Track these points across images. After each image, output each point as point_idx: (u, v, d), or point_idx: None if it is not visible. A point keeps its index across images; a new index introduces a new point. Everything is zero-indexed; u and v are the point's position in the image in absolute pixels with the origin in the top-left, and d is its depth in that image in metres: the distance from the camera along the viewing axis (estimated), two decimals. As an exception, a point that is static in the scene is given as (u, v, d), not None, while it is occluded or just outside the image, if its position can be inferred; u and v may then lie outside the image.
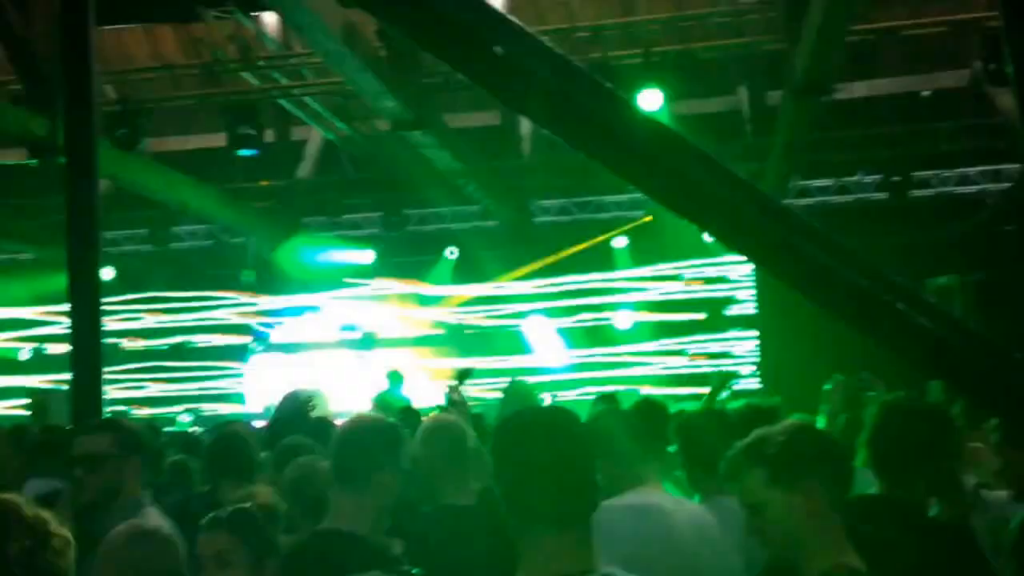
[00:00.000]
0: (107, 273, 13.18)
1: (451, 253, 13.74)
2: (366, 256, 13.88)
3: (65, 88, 5.86)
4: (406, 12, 2.20)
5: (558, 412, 2.05)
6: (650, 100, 9.14)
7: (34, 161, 8.62)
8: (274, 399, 10.35)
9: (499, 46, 2.09)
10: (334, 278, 14.12)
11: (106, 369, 5.45)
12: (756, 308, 13.22)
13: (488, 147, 12.07)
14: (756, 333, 13.21)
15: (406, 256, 13.89)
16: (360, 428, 3.14)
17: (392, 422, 3.32)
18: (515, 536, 1.88)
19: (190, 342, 14.39)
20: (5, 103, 9.00)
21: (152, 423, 8.66)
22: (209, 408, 13.92)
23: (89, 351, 5.73)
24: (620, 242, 13.35)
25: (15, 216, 12.55)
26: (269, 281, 14.05)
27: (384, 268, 14.05)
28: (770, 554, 2.33)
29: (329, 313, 14.50)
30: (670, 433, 3.67)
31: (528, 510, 1.86)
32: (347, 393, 12.92)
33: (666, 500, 3.17)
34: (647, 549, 2.87)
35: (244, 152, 10.31)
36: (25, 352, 14.18)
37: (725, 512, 3.16)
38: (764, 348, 13.06)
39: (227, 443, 5.02)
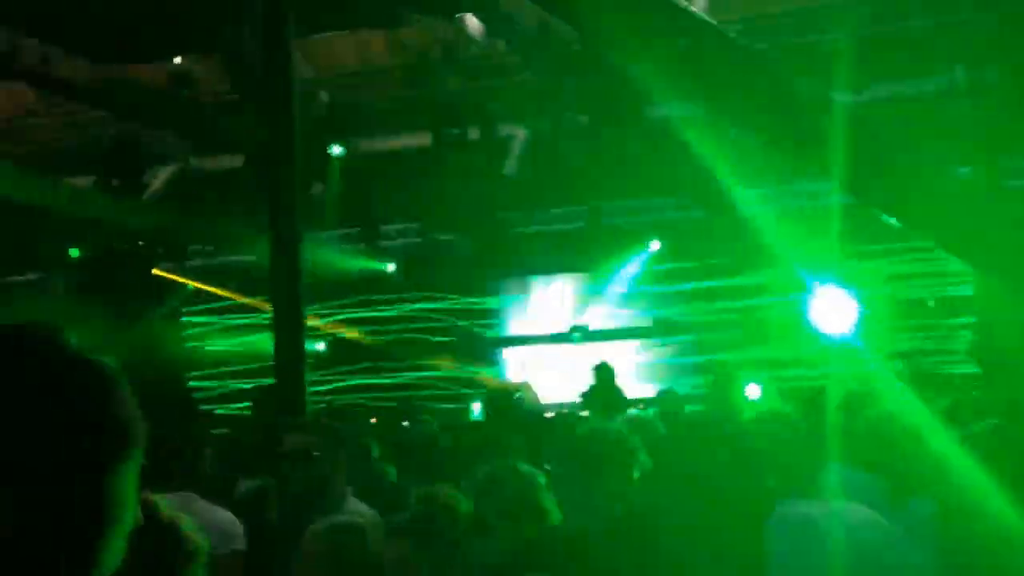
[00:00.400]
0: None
1: (654, 246, 13.61)
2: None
3: (268, 97, 6.15)
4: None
5: None
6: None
7: (249, 167, 9.08)
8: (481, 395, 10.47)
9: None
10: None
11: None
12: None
13: (690, 137, 11.74)
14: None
15: (606, 250, 13.80)
16: (586, 437, 3.08)
17: (617, 428, 3.23)
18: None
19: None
20: (224, 114, 9.54)
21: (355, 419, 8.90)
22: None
23: (292, 347, 5.98)
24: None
25: (231, 221, 13.22)
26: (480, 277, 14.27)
27: (579, 263, 14.03)
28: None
29: (546, 305, 14.59)
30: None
31: None
32: (561, 386, 13.00)
33: (818, 509, 2.95)
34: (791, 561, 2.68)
35: (449, 153, 10.50)
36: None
37: (915, 519, 2.92)
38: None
39: (413, 439, 5.10)
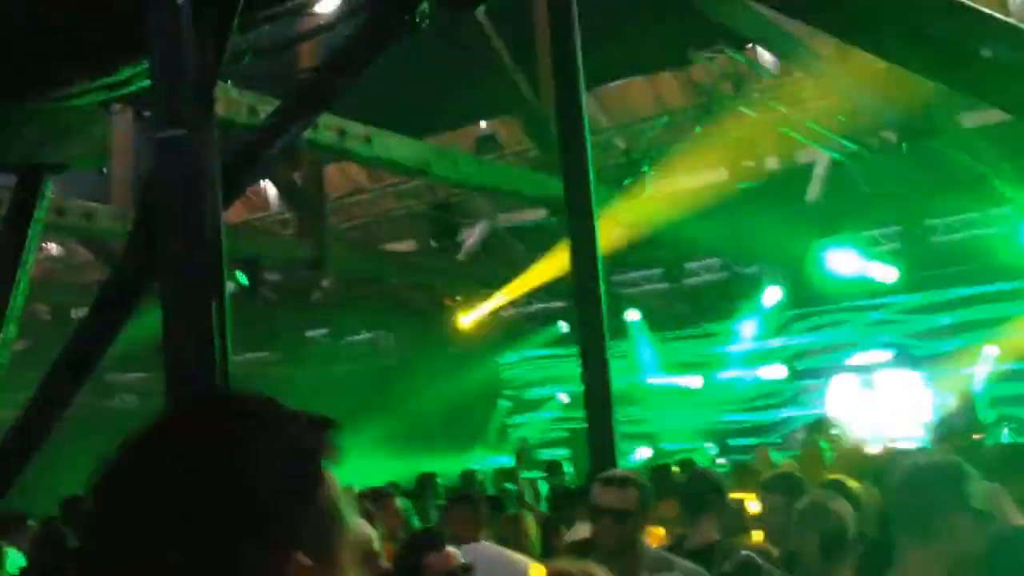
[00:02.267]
0: (633, 315, 13.99)
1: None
2: (888, 273, 13.24)
3: (562, 149, 6.43)
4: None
5: None
6: None
7: (553, 219, 9.46)
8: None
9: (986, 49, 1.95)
10: (861, 294, 13.66)
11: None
12: None
13: (1013, 145, 10.95)
14: None
15: (933, 269, 13.04)
16: (917, 466, 2.90)
17: (953, 459, 3.04)
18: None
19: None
20: (526, 169, 10.05)
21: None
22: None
23: (601, 394, 6.13)
24: None
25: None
26: (791, 305, 14.00)
27: (910, 283, 13.33)
28: None
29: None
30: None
31: None
32: (898, 418, 12.41)
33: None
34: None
35: (747, 185, 10.43)
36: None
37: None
38: None
39: (699, 482, 5.06)
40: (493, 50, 8.93)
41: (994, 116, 11.19)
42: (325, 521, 1.01)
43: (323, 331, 14.67)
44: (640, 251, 12.65)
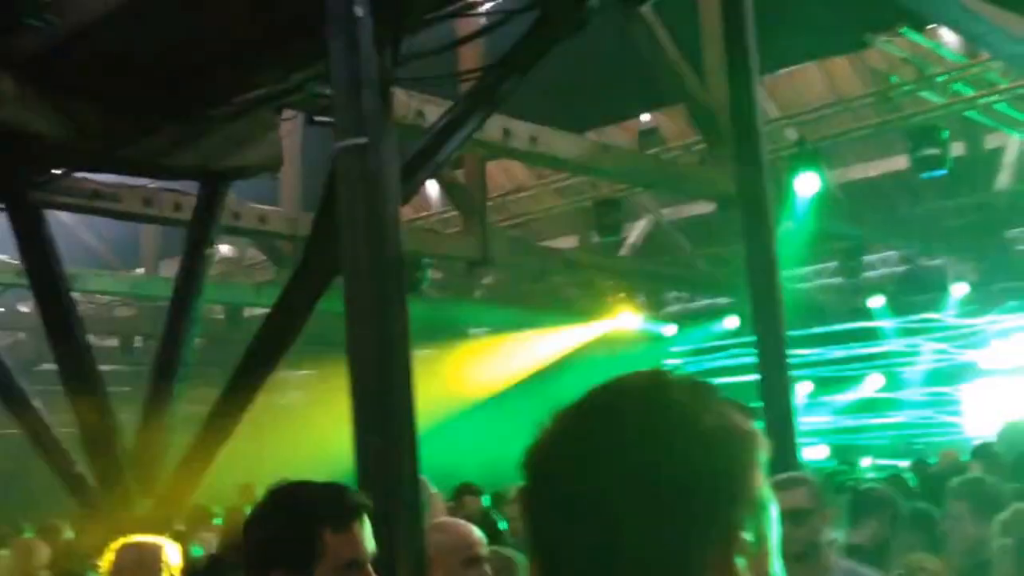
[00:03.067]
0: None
1: None
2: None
3: (735, 141, 6.18)
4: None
5: None
6: None
7: (721, 214, 9.18)
8: (989, 431, 9.63)
9: None
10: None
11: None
12: None
13: None
14: None
15: None
16: None
17: None
18: None
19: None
20: (692, 162, 9.79)
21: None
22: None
23: (779, 393, 5.88)
24: None
25: (712, 265, 13.49)
26: (975, 301, 13.24)
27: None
28: None
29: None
30: None
31: None
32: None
33: None
34: None
35: (929, 174, 9.86)
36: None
37: None
38: None
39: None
40: (656, 40, 8.71)
41: None
42: (759, 506, 1.01)
43: (485, 328, 14.76)
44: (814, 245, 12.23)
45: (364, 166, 4.04)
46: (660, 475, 0.96)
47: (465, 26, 6.49)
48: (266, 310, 13.01)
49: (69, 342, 6.56)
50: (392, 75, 4.37)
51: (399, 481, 3.85)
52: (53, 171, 6.71)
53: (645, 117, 11.15)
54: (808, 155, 10.04)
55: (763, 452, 1.03)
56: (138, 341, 13.82)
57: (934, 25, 9.83)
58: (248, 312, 12.33)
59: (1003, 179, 12.38)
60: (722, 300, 13.99)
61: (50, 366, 7.04)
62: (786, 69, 10.67)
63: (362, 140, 4.12)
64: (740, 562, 0.96)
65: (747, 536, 0.98)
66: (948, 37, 10.06)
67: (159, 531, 6.14)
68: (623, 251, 12.33)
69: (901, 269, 13.49)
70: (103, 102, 5.90)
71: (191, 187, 8.01)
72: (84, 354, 6.61)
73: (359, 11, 4.14)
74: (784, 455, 5.48)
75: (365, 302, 3.95)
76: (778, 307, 5.95)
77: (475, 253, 9.83)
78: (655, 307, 14.00)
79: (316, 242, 5.62)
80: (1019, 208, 12.26)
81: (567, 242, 13.23)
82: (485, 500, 7.18)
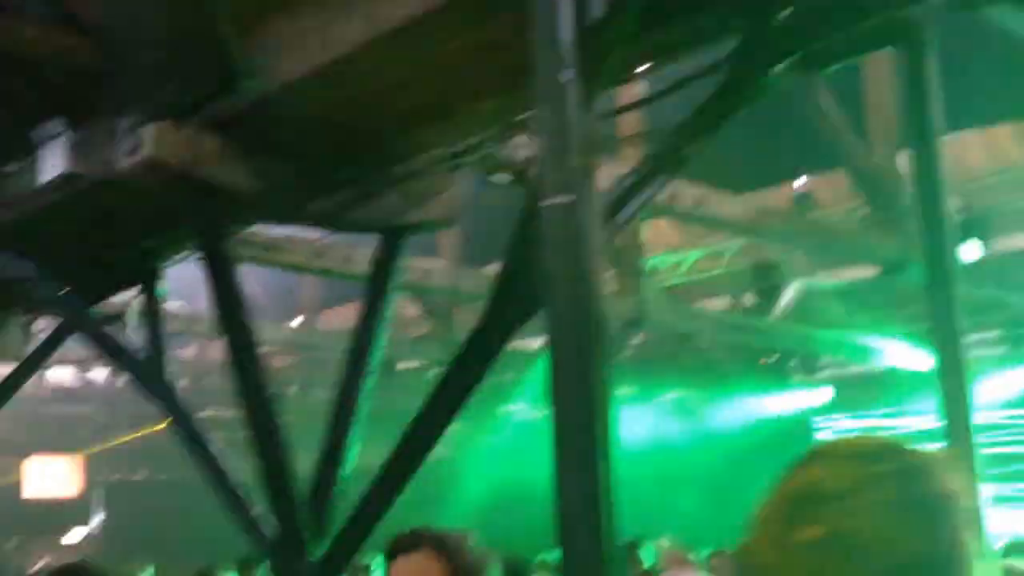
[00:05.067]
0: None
1: None
2: None
3: (920, 206, 6.12)
4: None
5: None
6: None
7: (882, 279, 9.07)
8: None
9: None
10: None
11: None
12: None
13: None
14: None
15: None
16: None
17: None
18: None
19: None
20: (854, 228, 9.69)
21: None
22: None
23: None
24: None
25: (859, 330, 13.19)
26: None
27: None
28: None
29: None
30: None
31: None
32: None
33: None
34: None
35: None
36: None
37: None
38: None
39: None
40: (818, 103, 8.72)
41: None
42: None
43: (630, 389, 14.74)
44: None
45: (568, 225, 4.17)
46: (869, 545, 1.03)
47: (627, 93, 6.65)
48: (418, 363, 13.28)
49: (254, 389, 6.83)
50: (597, 133, 4.50)
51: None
52: (245, 225, 7.08)
53: (799, 181, 11.10)
54: (971, 223, 9.88)
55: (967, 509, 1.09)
56: (293, 390, 14.27)
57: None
58: (401, 365, 12.64)
59: None
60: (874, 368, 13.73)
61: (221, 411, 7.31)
62: (952, 134, 10.49)
63: (567, 199, 4.27)
64: None
65: None
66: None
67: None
68: (776, 314, 12.24)
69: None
70: (297, 160, 6.25)
71: (360, 239, 8.33)
72: (268, 402, 6.87)
73: (567, 75, 4.31)
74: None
75: (569, 363, 4.03)
76: (964, 377, 5.84)
77: (630, 313, 9.89)
78: (809, 370, 13.82)
79: (499, 297, 5.78)
80: None
81: (721, 304, 13.17)
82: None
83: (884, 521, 1.03)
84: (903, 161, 8.42)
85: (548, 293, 4.23)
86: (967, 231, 9.83)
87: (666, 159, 5.29)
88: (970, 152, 11.12)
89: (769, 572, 1.07)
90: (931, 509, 1.05)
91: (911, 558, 1.02)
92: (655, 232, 11.59)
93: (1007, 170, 10.66)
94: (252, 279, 13.67)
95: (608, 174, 5.88)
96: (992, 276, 10.57)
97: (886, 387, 13.48)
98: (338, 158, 6.19)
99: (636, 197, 5.21)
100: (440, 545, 2.09)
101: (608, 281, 11.60)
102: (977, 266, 9.88)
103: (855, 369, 14.17)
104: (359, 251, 8.09)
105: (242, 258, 8.30)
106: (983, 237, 9.86)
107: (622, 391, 14.95)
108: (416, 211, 6.98)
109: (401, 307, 13.95)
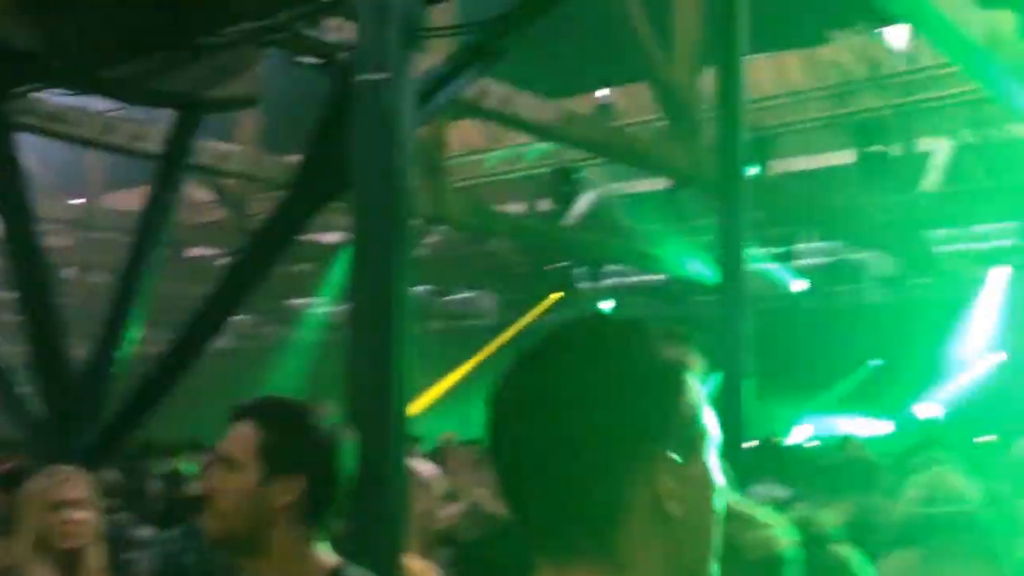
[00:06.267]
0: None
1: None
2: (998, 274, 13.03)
3: (717, 122, 6.41)
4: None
5: None
6: None
7: (673, 191, 9.43)
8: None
9: None
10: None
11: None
12: None
13: None
14: None
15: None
16: None
17: None
18: None
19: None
20: (654, 139, 10.00)
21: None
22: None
23: (734, 364, 6.16)
24: None
25: (650, 241, 13.79)
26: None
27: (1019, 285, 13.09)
28: None
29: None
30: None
31: None
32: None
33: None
34: None
35: (869, 171, 10.30)
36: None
37: None
38: None
39: None
40: (628, 16, 8.87)
41: None
42: (688, 423, 1.10)
43: (424, 287, 14.82)
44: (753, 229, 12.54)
45: (382, 101, 4.11)
46: (594, 411, 1.05)
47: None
48: (209, 251, 12.79)
49: (29, 267, 6.43)
50: (417, 14, 4.42)
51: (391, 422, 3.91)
52: (28, 87, 6.57)
53: (603, 92, 11.34)
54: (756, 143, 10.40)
55: (695, 375, 1.11)
56: (71, 272, 13.51)
57: (885, 27, 10.23)
58: (190, 252, 12.18)
59: (931, 181, 12.94)
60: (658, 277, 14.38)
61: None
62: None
63: (385, 75, 4.19)
64: (667, 481, 1.05)
65: (675, 457, 1.06)
66: (900, 39, 10.47)
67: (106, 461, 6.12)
68: (568, 222, 12.54)
69: (830, 259, 14.00)
70: (86, 19, 5.82)
71: (153, 116, 7.88)
72: (44, 281, 6.49)
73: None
74: (732, 427, 5.74)
75: (374, 233, 3.99)
76: (742, 285, 6.24)
77: (429, 210, 9.89)
78: (594, 278, 14.27)
79: (303, 178, 5.65)
80: (941, 210, 12.83)
81: (515, 208, 13.37)
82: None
83: None
84: (703, 78, 8.76)
85: (355, 173, 4.19)
86: (752, 151, 10.34)
87: (478, 52, 5.28)
88: (760, 76, 11.64)
89: None
90: None
91: None
92: (458, 131, 11.57)
93: (793, 94, 11.25)
94: (32, 151, 12.74)
95: (421, 64, 5.80)
96: (771, 194, 11.20)
97: (670, 298, 14.11)
98: (138, 21, 5.82)
99: (447, 86, 5.20)
100: (263, 415, 2.01)
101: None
102: (758, 183, 10.44)
103: (641, 278, 14.77)
104: (152, 129, 7.65)
105: (22, 126, 7.71)
106: (767, 157, 10.43)
107: (416, 289, 15.02)
108: (217, 87, 6.68)
109: (193, 191, 13.41)
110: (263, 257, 5.88)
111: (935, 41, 8.37)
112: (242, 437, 1.98)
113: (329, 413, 2.11)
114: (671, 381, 1.09)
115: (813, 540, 2.05)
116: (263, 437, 1.97)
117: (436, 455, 7.11)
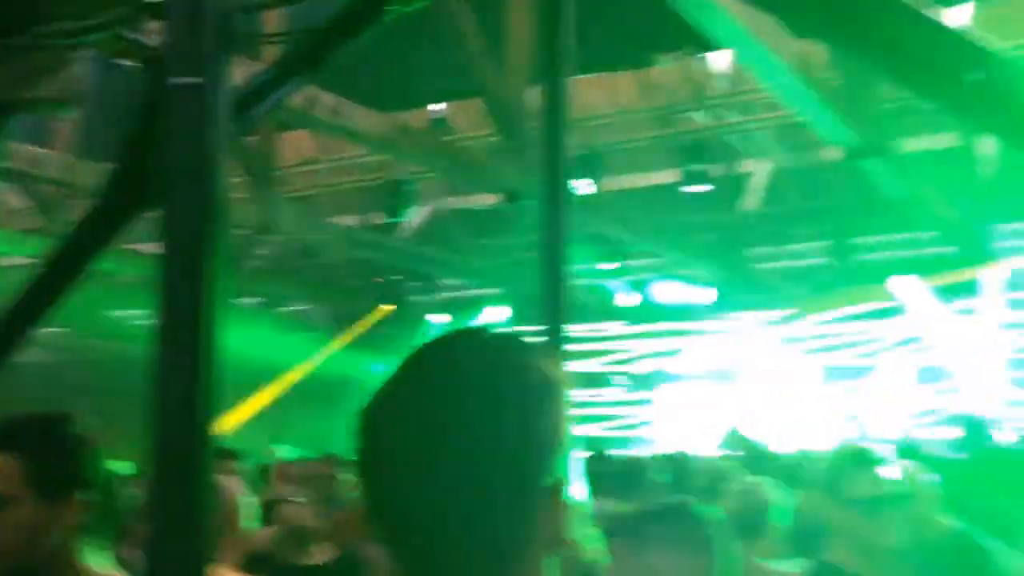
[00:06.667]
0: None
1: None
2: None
3: (542, 139, 6.51)
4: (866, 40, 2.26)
5: None
6: None
7: (505, 206, 9.54)
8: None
9: (970, 72, 2.08)
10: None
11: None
12: None
13: (944, 170, 11.45)
14: None
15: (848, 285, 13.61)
16: None
17: None
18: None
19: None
20: (487, 154, 10.09)
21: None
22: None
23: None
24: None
25: (482, 255, 13.89)
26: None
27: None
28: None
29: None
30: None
31: None
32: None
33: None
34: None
35: (693, 190, 10.69)
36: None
37: None
38: None
39: None
40: (460, 31, 8.93)
41: (933, 142, 11.70)
42: (566, 447, 1.07)
43: (256, 300, 14.47)
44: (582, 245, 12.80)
45: (193, 107, 4.00)
46: (496, 430, 1.00)
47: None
48: (24, 260, 12.14)
49: None
50: (233, 17, 4.32)
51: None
52: None
53: (438, 106, 11.35)
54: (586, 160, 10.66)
55: (569, 395, 1.09)
56: None
57: (709, 52, 10.65)
58: (3, 261, 11.51)
59: (751, 200, 13.53)
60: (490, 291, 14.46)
61: None
62: (573, 77, 11.16)
63: (197, 80, 4.09)
64: (564, 501, 1.03)
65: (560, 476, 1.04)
66: (723, 64, 10.91)
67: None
68: (403, 235, 12.50)
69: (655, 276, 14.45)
70: None
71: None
72: None
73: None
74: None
75: (184, 246, 3.87)
76: (563, 300, 6.33)
77: (258, 220, 9.68)
78: (428, 292, 14.26)
79: (116, 183, 5.43)
80: (761, 230, 13.44)
81: (348, 221, 13.22)
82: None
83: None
84: (533, 95, 8.90)
85: (168, 182, 4.06)
86: (583, 167, 10.58)
87: (303, 60, 5.21)
88: (593, 95, 11.92)
89: None
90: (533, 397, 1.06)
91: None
92: (291, 142, 11.40)
93: (623, 114, 11.56)
94: None
95: (246, 71, 5.66)
96: (601, 211, 11.48)
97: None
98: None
99: (270, 95, 5.10)
100: (22, 442, 1.88)
101: (239, 187, 11.28)
102: (588, 201, 10.70)
103: (473, 293, 14.86)
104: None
105: None
106: (596, 174, 10.68)
107: (246, 301, 14.68)
108: (29, 88, 6.36)
109: (9, 197, 12.70)
110: (68, 268, 5.61)
111: (751, 67, 8.77)
112: (5, 470, 1.86)
113: (79, 422, 2.02)
114: (558, 398, 1.07)
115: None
116: (28, 465, 1.86)
117: (261, 471, 6.94)
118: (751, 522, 3.87)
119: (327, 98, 7.72)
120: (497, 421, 1.01)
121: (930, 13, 5.10)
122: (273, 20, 8.12)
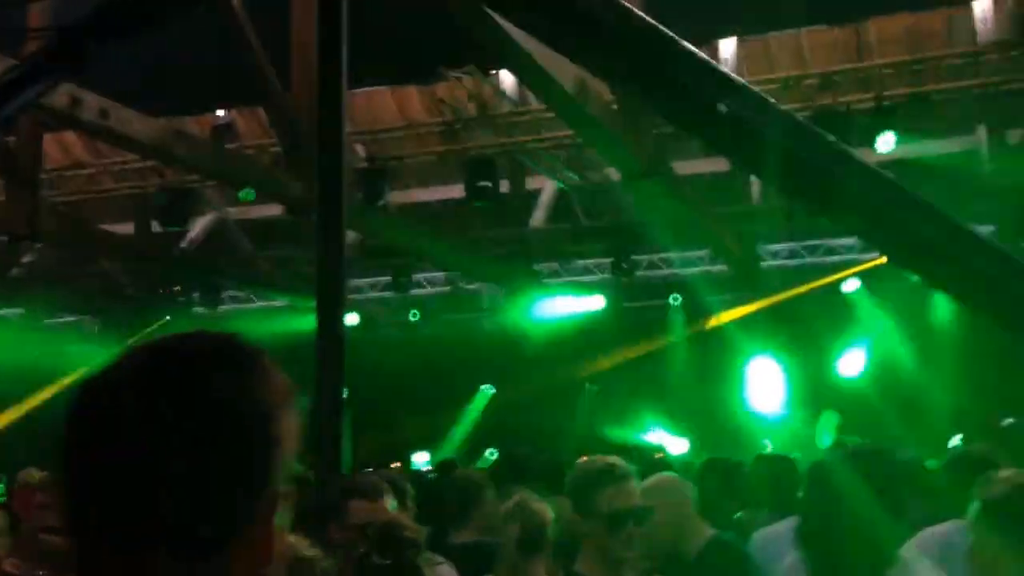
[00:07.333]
0: (351, 318, 14.03)
1: (674, 300, 13.86)
2: (595, 302, 14.12)
3: (318, 150, 6.40)
4: (635, 75, 2.34)
5: None
6: (883, 143, 9.10)
7: (290, 217, 9.35)
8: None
9: (723, 104, 2.18)
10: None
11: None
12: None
13: (716, 193, 12.08)
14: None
15: (634, 301, 14.08)
16: None
17: None
18: None
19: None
20: (268, 165, 9.87)
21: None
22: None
23: (333, 391, 6.17)
24: (852, 285, 13.01)
25: (273, 266, 13.60)
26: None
27: (613, 314, 14.29)
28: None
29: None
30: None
31: None
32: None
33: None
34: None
35: (479, 204, 10.79)
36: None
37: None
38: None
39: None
40: (244, 39, 8.70)
41: (707, 166, 12.32)
42: (285, 452, 1.06)
43: (19, 311, 13.58)
44: (370, 258, 12.74)
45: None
46: (216, 443, 0.99)
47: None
48: None
49: None
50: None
51: None
52: None
53: (220, 113, 11.01)
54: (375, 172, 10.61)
55: (295, 404, 1.08)
56: None
57: (497, 70, 10.80)
58: None
59: (537, 217, 13.82)
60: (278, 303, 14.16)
61: None
62: (363, 89, 11.10)
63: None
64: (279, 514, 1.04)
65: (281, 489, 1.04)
66: (507, 83, 11.08)
67: None
68: (184, 244, 12.03)
69: (446, 289, 14.52)
70: None
71: None
72: None
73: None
74: (331, 448, 5.76)
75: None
76: (341, 311, 6.24)
77: (21, 227, 9.08)
78: (211, 304, 13.76)
79: None
80: (547, 245, 13.76)
81: (125, 228, 12.61)
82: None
83: None
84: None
85: None
86: (371, 180, 10.52)
87: (56, 57, 4.91)
88: (384, 107, 11.88)
89: None
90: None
91: None
92: (60, 145, 10.77)
93: (412, 127, 11.57)
94: None
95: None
96: (387, 224, 11.45)
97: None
98: None
99: (19, 94, 4.78)
100: None
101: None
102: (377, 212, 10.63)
103: (259, 304, 14.52)
104: None
105: None
106: (385, 188, 10.63)
107: (8, 312, 13.77)
108: None
109: None
110: None
111: (534, 88, 8.95)
112: None
113: None
114: (289, 413, 1.05)
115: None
116: None
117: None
118: (531, 539, 3.85)
119: (94, 99, 7.32)
120: (212, 438, 1.01)
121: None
122: (38, 17, 7.69)
